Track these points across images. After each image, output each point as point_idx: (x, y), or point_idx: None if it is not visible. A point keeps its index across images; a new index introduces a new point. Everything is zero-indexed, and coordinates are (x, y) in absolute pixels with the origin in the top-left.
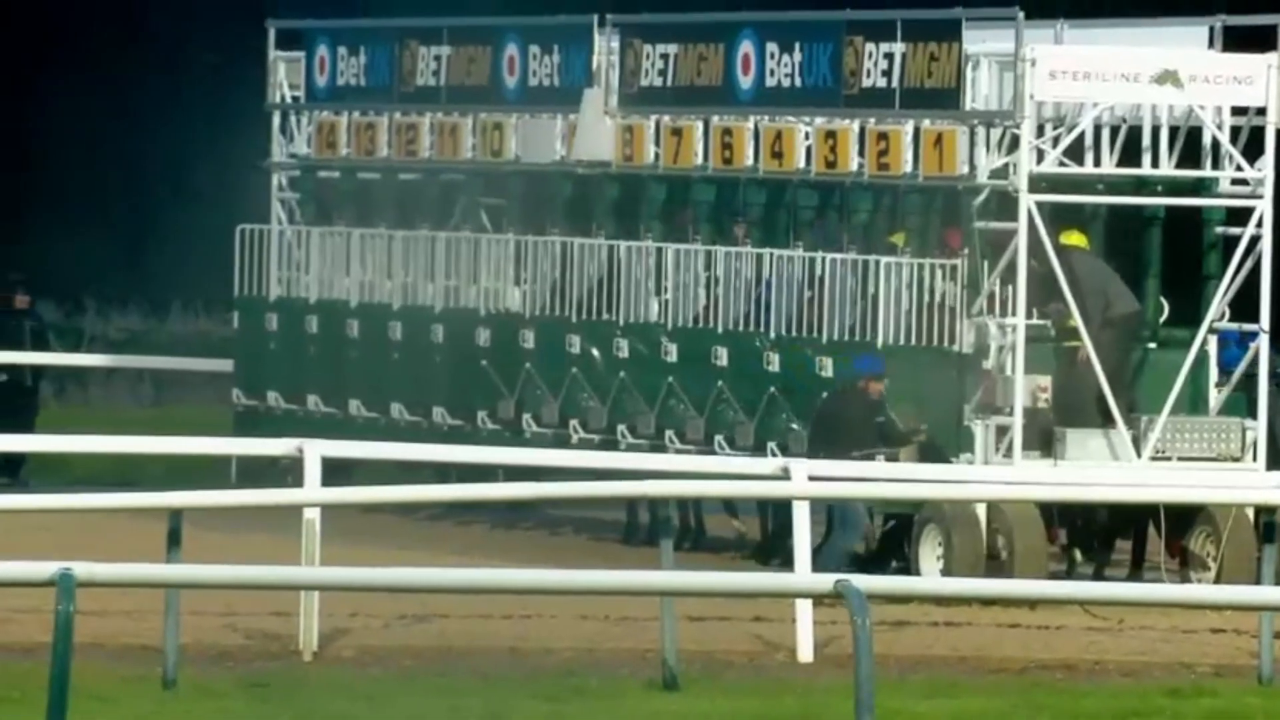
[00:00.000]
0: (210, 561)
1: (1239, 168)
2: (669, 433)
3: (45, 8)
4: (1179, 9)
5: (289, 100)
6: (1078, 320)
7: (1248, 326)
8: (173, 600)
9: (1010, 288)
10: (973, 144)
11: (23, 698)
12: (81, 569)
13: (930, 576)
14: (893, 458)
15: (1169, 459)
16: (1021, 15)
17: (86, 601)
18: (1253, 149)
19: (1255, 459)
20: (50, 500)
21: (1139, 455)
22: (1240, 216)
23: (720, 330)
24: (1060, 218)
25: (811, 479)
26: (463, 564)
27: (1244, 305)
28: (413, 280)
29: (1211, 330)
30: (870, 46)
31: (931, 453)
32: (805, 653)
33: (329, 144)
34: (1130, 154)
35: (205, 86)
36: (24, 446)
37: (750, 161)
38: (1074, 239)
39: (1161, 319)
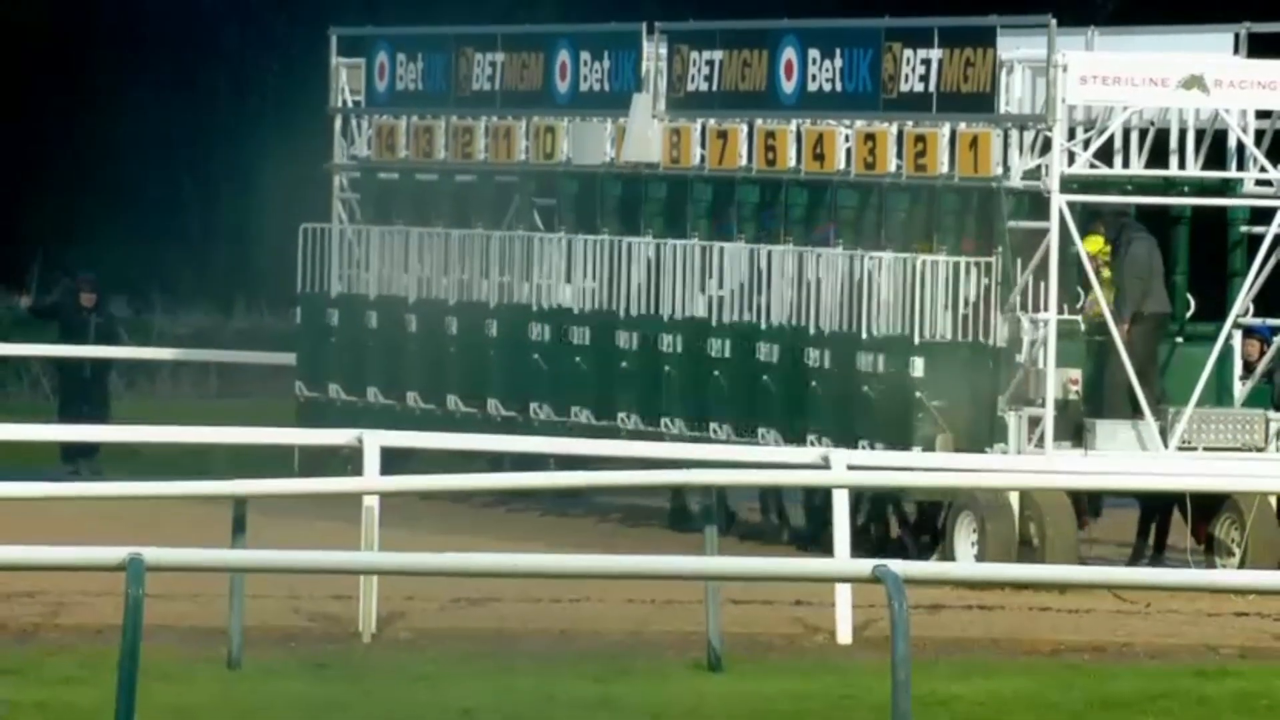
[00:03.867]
0: (273, 547)
1: (1263, 169)
2: (713, 425)
3: (121, 20)
4: (1205, 17)
5: (350, 105)
6: (1102, 304)
7: (1272, 321)
8: (238, 584)
9: (1042, 284)
10: (1006, 146)
11: (94, 678)
12: (150, 554)
13: (965, 562)
14: None
15: (1195, 449)
16: (1054, 23)
17: (155, 585)
18: (1276, 151)
19: (1279, 449)
20: (120, 488)
21: (1166, 445)
22: (1264, 216)
23: (764, 326)
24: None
25: (850, 468)
26: (515, 550)
27: (1268, 301)
28: (469, 277)
29: (1236, 325)
30: (908, 53)
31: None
32: (844, 635)
33: (388, 146)
34: (1158, 156)
35: (269, 92)
36: (96, 437)
37: (793, 163)
38: None
39: (1188, 314)
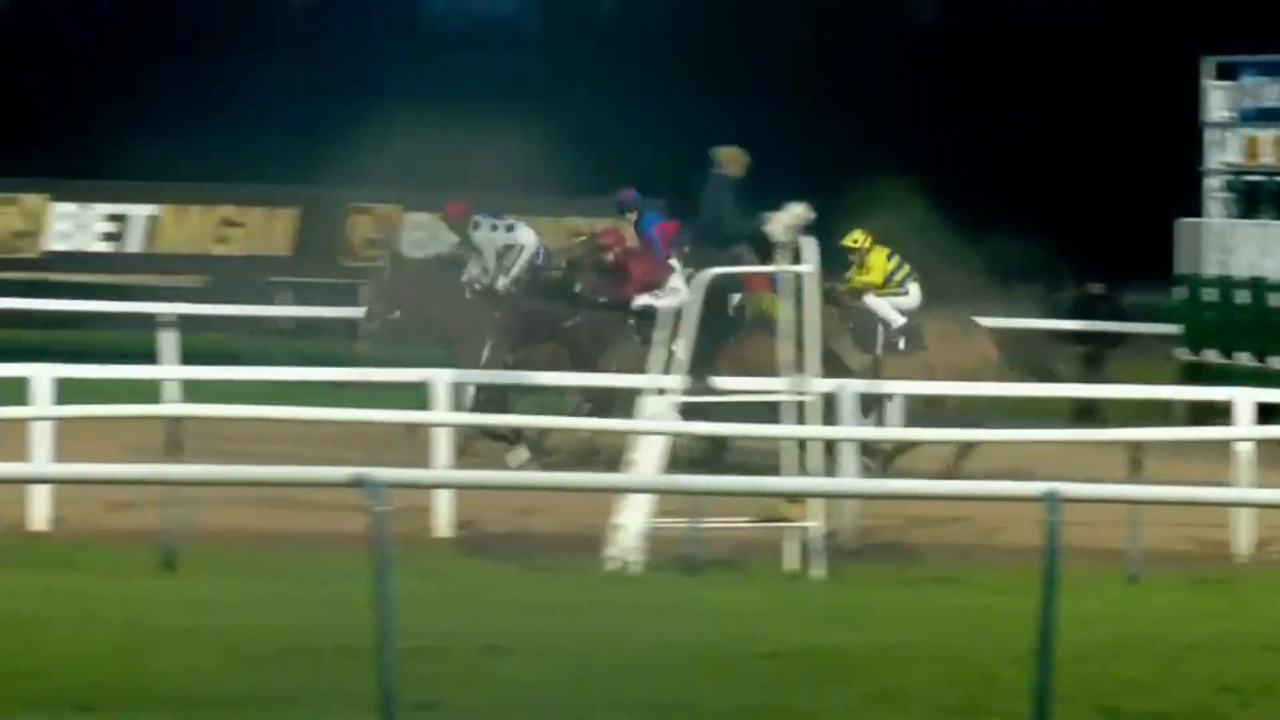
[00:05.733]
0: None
1: None
2: None
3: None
4: None
5: (1220, 119)
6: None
7: None
8: (1136, 514)
9: None
10: None
11: (1021, 588)
12: (1064, 488)
13: None
14: None
15: None
16: None
17: (1072, 514)
18: None
19: None
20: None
21: None
22: None
23: None
24: None
25: None
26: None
27: None
28: None
29: None
30: None
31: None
32: None
33: (1252, 154)
34: None
35: (1137, 104)
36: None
37: None
38: None
39: None
